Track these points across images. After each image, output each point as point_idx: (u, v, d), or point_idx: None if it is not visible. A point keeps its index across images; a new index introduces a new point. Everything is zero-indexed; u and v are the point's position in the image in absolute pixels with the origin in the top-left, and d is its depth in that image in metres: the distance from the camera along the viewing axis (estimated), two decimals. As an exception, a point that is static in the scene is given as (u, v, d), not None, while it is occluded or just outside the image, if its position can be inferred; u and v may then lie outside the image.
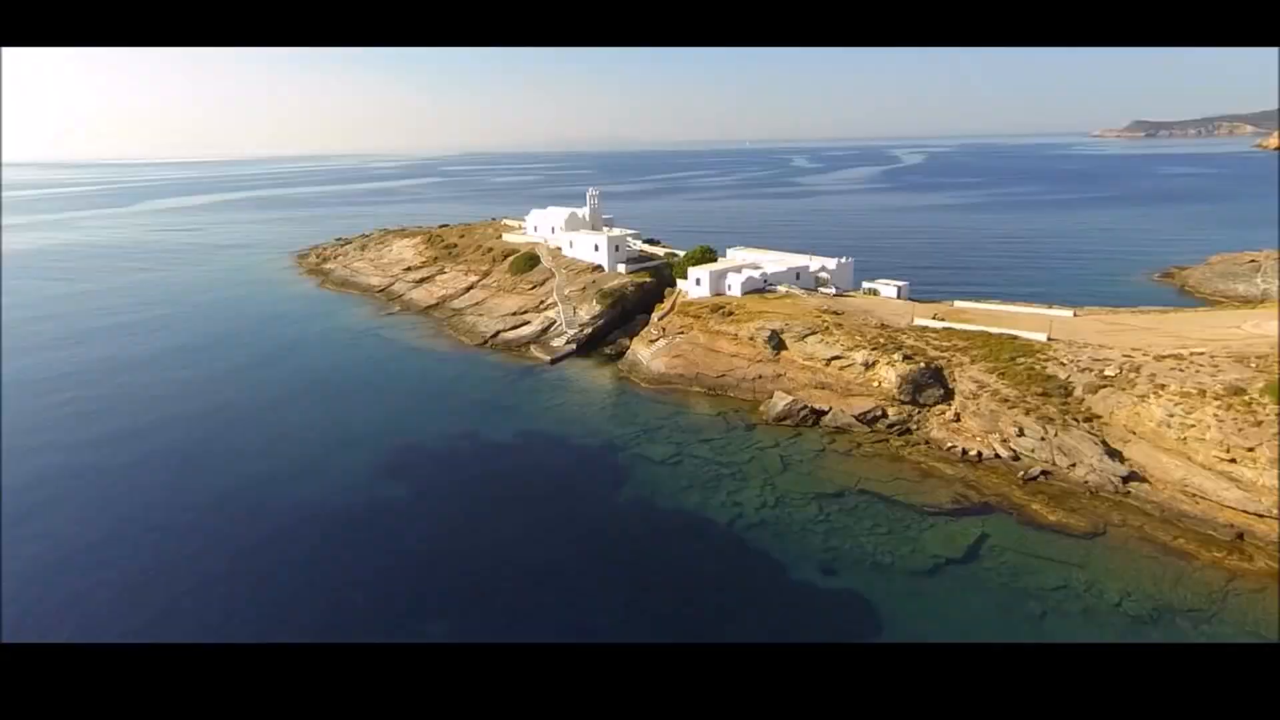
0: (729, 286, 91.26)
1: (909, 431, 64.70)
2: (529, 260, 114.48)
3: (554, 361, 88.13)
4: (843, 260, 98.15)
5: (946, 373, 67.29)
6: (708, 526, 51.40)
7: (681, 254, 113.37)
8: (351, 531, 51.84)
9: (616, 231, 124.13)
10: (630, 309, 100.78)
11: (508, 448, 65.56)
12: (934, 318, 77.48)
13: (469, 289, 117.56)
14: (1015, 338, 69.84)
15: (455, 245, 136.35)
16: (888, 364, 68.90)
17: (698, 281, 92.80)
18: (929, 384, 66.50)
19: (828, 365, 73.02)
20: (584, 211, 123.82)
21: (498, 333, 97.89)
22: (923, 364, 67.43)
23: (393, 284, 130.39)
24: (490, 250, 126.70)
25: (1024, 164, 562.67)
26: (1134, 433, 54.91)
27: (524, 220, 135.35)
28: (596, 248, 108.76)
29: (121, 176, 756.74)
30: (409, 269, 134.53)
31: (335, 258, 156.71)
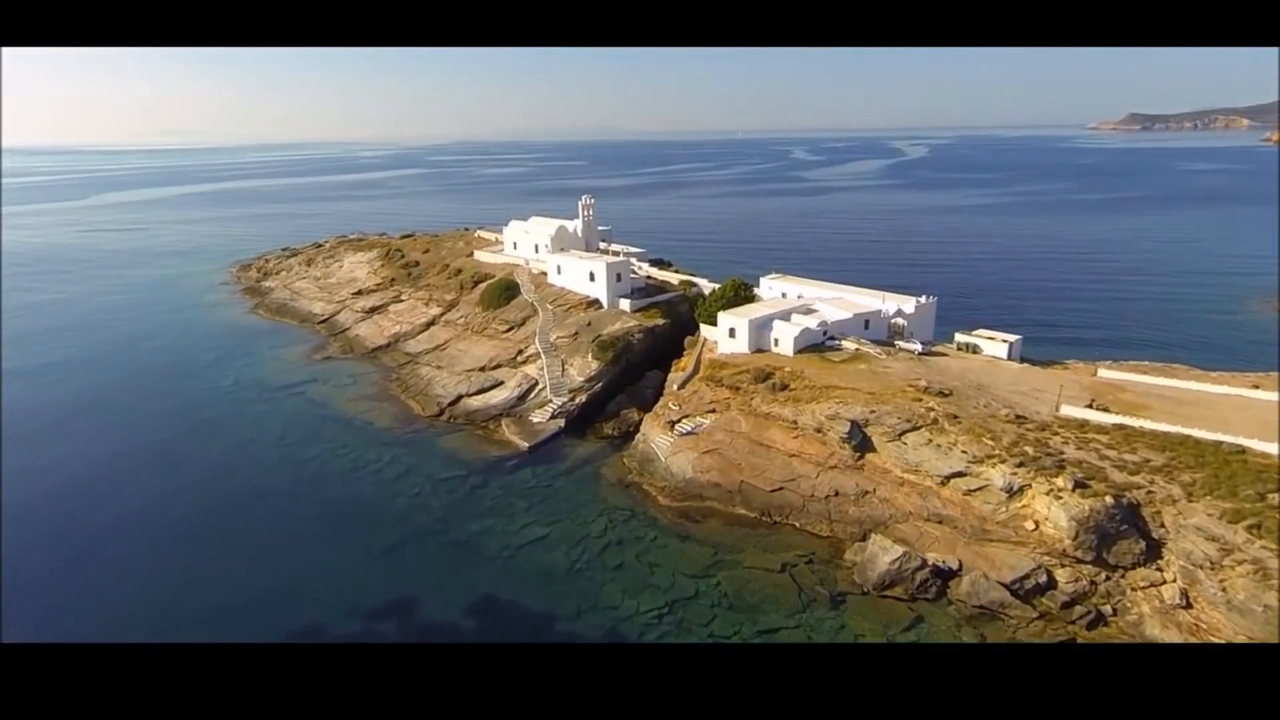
0: (775, 341, 66.37)
1: (1102, 620, 40.24)
2: (505, 290, 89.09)
3: (534, 449, 63.17)
4: (923, 300, 73.47)
5: (1146, 511, 42.77)
6: None
7: (702, 284, 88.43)
8: None
9: (617, 249, 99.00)
10: (637, 361, 75.91)
11: (452, 645, 40.58)
12: (1092, 405, 52.82)
13: (429, 325, 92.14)
14: (1242, 450, 45.29)
15: (417, 264, 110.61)
16: (1049, 495, 44.26)
17: (732, 333, 67.87)
18: (1122, 532, 42.01)
19: (945, 485, 48.38)
20: (575, 225, 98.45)
21: (459, 397, 72.67)
22: (1108, 497, 42.84)
23: (338, 312, 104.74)
24: (459, 273, 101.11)
25: (1033, 158, 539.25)
26: None
27: (501, 233, 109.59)
28: (592, 277, 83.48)
29: (91, 165, 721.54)
30: (359, 293, 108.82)
31: (278, 273, 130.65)
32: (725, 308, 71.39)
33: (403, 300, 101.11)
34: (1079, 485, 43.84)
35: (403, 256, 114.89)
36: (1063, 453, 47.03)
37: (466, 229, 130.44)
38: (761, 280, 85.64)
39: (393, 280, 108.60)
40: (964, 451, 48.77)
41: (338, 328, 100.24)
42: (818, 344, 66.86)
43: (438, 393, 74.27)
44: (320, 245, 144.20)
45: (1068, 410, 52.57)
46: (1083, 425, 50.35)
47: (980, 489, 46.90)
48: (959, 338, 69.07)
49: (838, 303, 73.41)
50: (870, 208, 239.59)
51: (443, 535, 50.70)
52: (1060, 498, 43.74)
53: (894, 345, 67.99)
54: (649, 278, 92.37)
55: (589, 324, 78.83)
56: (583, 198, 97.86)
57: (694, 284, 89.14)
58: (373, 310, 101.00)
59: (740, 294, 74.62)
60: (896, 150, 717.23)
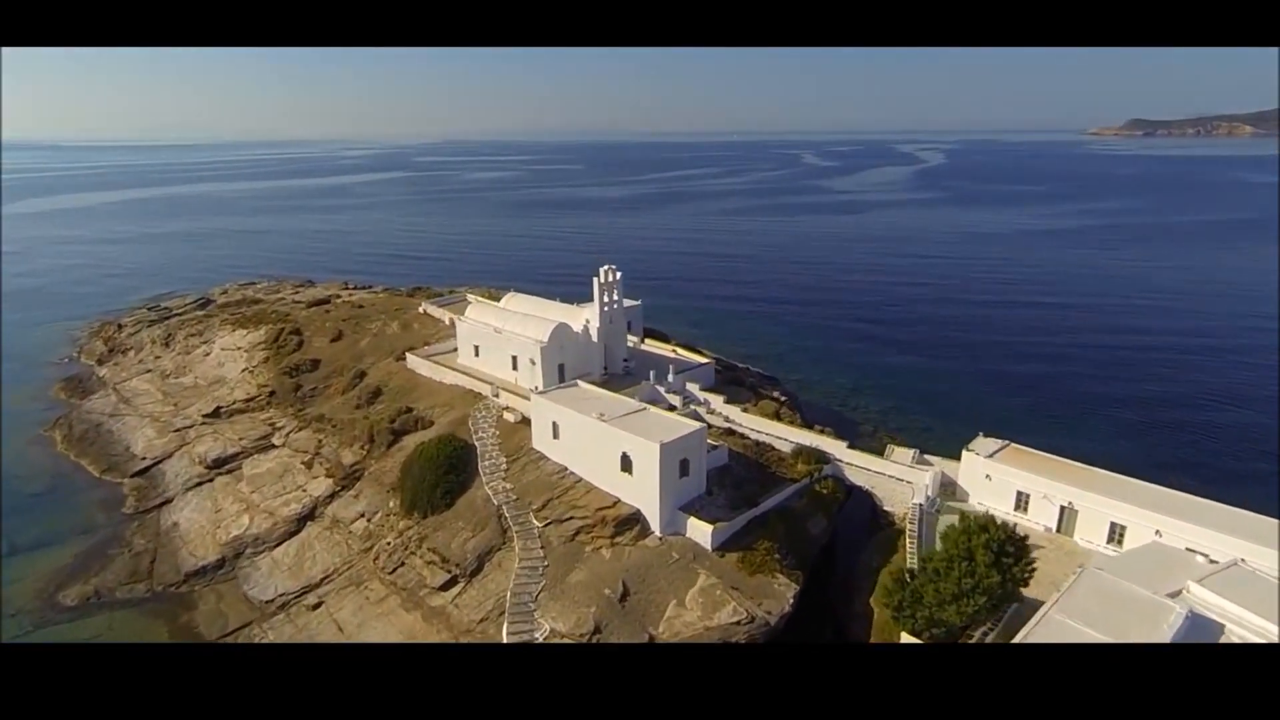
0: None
1: None
2: (449, 466, 44.60)
3: None
4: None
5: None
6: None
7: (835, 452, 44.66)
8: None
9: (657, 347, 54.93)
10: None
11: None
12: None
13: (302, 522, 47.77)
14: None
15: (315, 366, 66.03)
16: None
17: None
18: None
19: None
20: (587, 319, 54.21)
21: None
22: None
23: (170, 455, 60.14)
24: (375, 398, 56.79)
25: (1065, 166, 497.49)
26: None
27: (458, 314, 64.64)
28: (628, 464, 39.14)
29: (39, 163, 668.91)
30: (217, 412, 64.33)
31: (126, 351, 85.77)
32: (983, 597, 27.40)
33: (275, 445, 56.48)
34: None
35: (299, 347, 70.15)
36: None
37: (412, 292, 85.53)
38: (964, 455, 42.19)
39: (271, 395, 63.94)
40: None
41: (153, 495, 55.60)
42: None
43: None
44: (208, 303, 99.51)
45: None
46: None
47: None
48: None
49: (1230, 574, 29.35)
50: (944, 233, 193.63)
51: None
52: None
53: None
54: (728, 428, 48.25)
55: (624, 596, 34.52)
56: (602, 271, 53.10)
57: (823, 457, 45.04)
58: (220, 464, 56.30)
59: (1010, 571, 30.14)
60: (910, 156, 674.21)
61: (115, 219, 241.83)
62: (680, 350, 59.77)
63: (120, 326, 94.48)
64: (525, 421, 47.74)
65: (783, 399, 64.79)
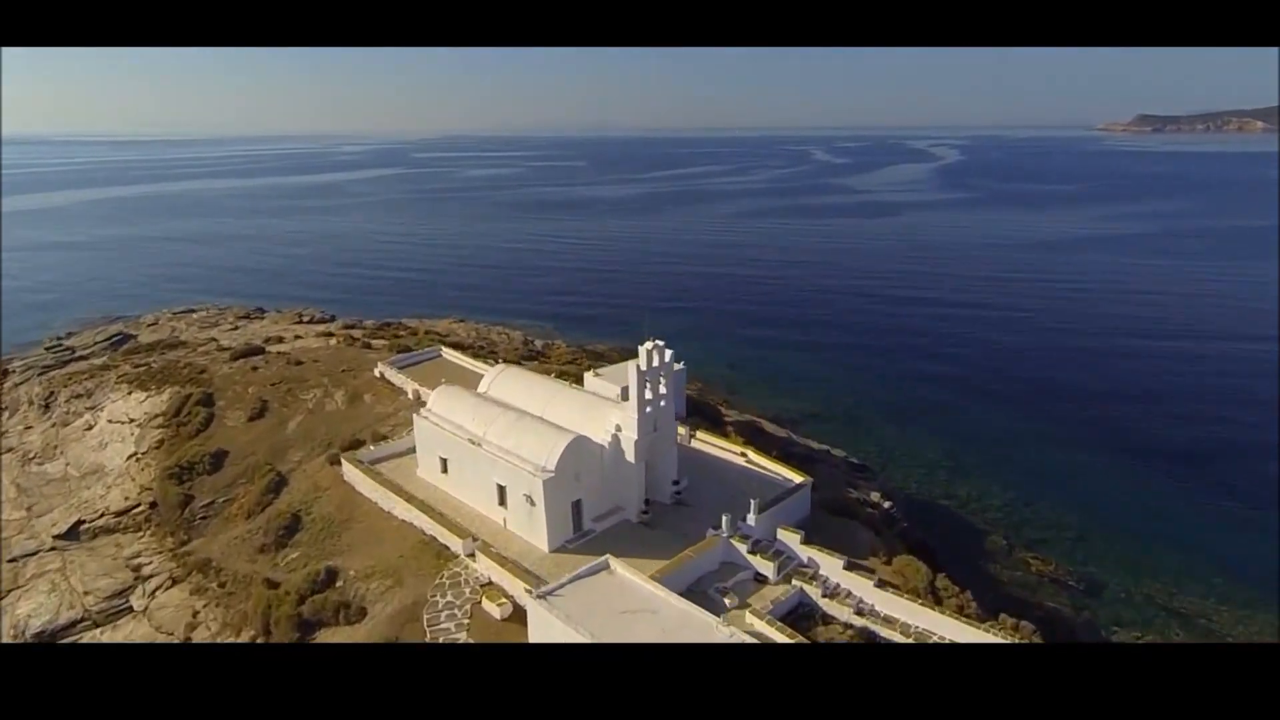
0: None
1: None
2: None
3: None
4: None
5: None
6: None
7: None
8: None
9: (752, 518, 34.95)
10: None
11: None
12: None
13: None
14: None
15: (219, 463, 45.93)
16: None
17: None
18: None
19: None
20: (618, 426, 33.83)
21: None
22: None
23: (-10, 609, 40.24)
24: (293, 531, 36.69)
25: (1086, 164, 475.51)
26: None
27: (431, 391, 44.35)
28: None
29: (24, 159, 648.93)
30: (77, 528, 44.47)
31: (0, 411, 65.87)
32: None
33: (133, 609, 36.57)
34: None
35: (205, 425, 50.05)
36: None
37: (373, 336, 64.98)
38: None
39: (151, 507, 44.03)
40: None
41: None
42: None
43: None
44: (124, 340, 79.53)
45: None
46: None
47: None
48: None
49: None
50: (999, 241, 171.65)
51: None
52: None
53: None
54: (862, 626, 28.28)
55: None
56: (643, 352, 32.67)
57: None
58: (48, 640, 36.40)
59: None
60: (923, 153, 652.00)
61: (76, 222, 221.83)
62: (752, 454, 39.63)
63: (6, 373, 74.39)
64: (518, 617, 27.87)
65: (888, 505, 45.20)
